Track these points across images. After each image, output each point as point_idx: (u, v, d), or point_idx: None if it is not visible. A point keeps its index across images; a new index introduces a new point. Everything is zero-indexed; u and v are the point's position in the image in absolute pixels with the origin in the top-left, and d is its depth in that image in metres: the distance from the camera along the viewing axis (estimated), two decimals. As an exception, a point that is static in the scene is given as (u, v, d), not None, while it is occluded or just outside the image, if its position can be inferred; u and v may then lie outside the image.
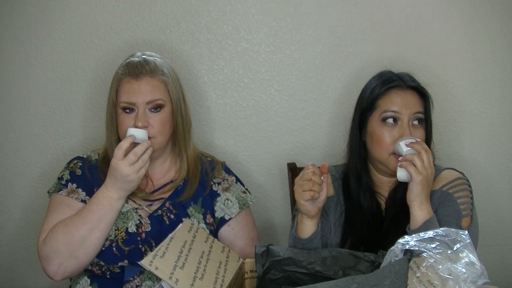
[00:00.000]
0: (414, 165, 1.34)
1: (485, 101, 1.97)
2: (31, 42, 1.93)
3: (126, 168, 1.39)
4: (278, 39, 1.96)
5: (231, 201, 1.61)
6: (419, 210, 1.34)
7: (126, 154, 1.41)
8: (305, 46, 1.96)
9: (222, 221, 1.59)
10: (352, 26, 1.95)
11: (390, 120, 1.47)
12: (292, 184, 1.85)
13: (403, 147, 1.39)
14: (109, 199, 1.44)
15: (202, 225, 1.55)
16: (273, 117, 2.00)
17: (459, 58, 1.96)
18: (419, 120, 1.48)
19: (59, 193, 1.53)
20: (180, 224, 1.32)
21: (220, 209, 1.59)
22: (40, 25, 1.93)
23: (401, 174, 1.38)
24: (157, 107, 1.51)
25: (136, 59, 1.54)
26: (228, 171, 1.67)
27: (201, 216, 1.56)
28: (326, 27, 1.95)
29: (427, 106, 1.51)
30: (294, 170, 1.87)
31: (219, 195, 1.60)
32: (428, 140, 1.50)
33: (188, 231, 1.32)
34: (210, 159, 1.67)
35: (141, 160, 1.41)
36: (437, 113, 1.93)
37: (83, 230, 1.43)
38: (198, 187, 1.59)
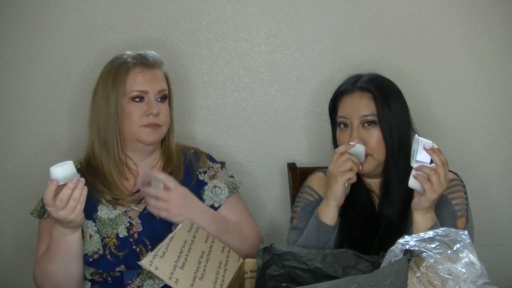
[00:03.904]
0: (430, 181, 1.28)
1: (485, 101, 1.98)
2: (31, 42, 1.94)
3: (57, 214, 1.33)
4: (278, 39, 1.96)
5: (220, 187, 1.60)
6: (423, 218, 1.32)
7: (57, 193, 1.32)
8: (305, 46, 1.96)
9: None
10: (352, 26, 1.95)
11: (342, 125, 1.48)
12: (292, 184, 1.85)
13: (424, 154, 1.29)
14: (63, 235, 1.41)
15: None
16: (273, 117, 2.00)
17: (459, 58, 1.96)
18: (371, 122, 1.45)
19: (43, 218, 1.54)
20: (180, 224, 1.32)
21: (208, 198, 1.59)
22: (40, 25, 1.93)
23: (414, 185, 1.32)
24: (164, 97, 1.56)
25: (140, 52, 1.57)
26: (212, 159, 1.67)
27: None
28: (326, 27, 1.95)
29: (379, 106, 1.45)
30: (294, 170, 1.87)
31: (206, 183, 1.60)
32: (386, 139, 1.44)
33: (188, 231, 1.32)
34: (193, 151, 1.67)
35: (72, 200, 1.32)
36: (437, 113, 1.95)
37: (58, 266, 1.43)
38: (184, 179, 1.58)
